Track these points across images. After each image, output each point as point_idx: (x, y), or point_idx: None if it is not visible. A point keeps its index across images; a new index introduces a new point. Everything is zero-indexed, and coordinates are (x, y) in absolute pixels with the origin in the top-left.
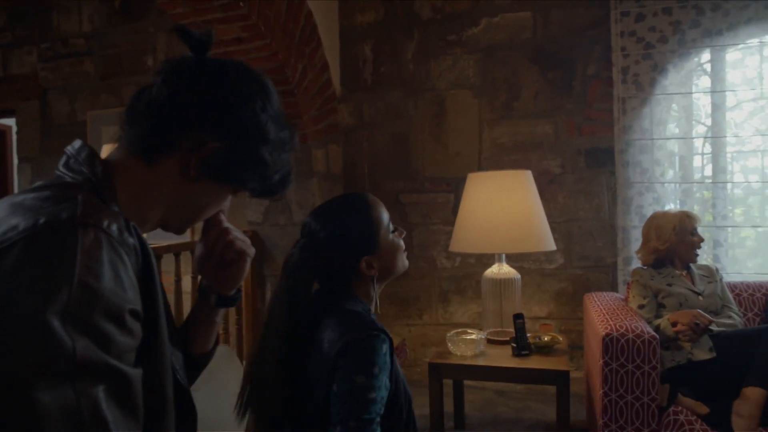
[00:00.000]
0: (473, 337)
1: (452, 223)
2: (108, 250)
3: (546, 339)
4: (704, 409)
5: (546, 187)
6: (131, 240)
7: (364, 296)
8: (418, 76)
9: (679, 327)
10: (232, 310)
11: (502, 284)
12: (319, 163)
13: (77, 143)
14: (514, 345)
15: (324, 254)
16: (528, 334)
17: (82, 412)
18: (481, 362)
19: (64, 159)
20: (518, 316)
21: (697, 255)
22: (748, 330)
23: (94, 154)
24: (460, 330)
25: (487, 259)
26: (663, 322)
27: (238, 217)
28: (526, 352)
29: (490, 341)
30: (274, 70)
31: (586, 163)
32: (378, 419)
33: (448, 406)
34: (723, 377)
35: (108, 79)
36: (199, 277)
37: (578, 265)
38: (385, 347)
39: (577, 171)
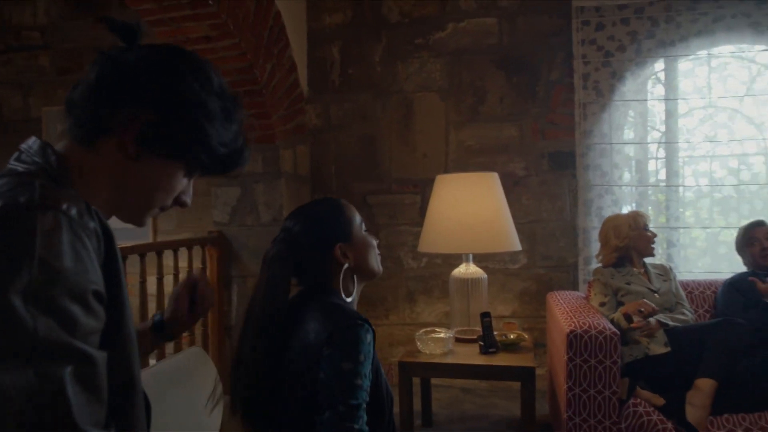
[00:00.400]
0: (442, 335)
1: (419, 224)
2: (68, 231)
3: (512, 337)
4: (660, 401)
5: (511, 189)
6: (92, 224)
7: (342, 291)
8: (385, 78)
9: (635, 324)
10: None
11: (469, 284)
12: (286, 163)
13: (31, 139)
14: (482, 343)
15: (300, 244)
16: (495, 332)
17: (42, 394)
18: (449, 360)
19: (16, 154)
20: (485, 315)
21: (653, 248)
22: (699, 325)
23: (46, 144)
24: (428, 329)
25: (453, 260)
26: (617, 315)
27: (204, 218)
28: (494, 349)
29: (458, 340)
30: (243, 69)
31: (550, 166)
32: (364, 405)
33: (416, 404)
34: (677, 370)
35: (66, 75)
36: (154, 314)
37: (541, 265)
38: (369, 337)
39: (540, 173)
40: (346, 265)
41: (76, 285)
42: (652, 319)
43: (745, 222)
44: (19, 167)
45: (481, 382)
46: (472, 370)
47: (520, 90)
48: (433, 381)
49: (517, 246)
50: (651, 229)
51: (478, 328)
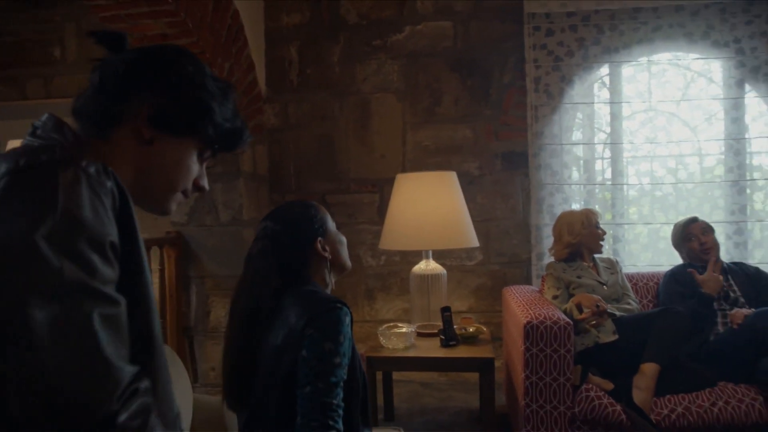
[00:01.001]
0: (404, 330)
1: (377, 223)
2: (86, 186)
3: (471, 330)
4: (610, 386)
5: (466, 189)
6: (108, 183)
7: (320, 283)
8: (343, 79)
9: (584, 314)
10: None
11: (429, 280)
12: (245, 163)
13: (44, 116)
14: (443, 337)
15: (282, 242)
16: (454, 326)
17: (70, 330)
18: (412, 354)
19: (30, 130)
20: (445, 309)
21: (602, 245)
22: (643, 314)
23: (62, 122)
24: (390, 324)
25: (412, 257)
26: (569, 305)
27: (161, 218)
28: (454, 342)
29: (419, 334)
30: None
31: (503, 166)
32: (342, 383)
33: (379, 399)
34: (625, 356)
35: (7, 69)
36: None
37: (496, 261)
38: (348, 319)
39: (494, 173)
40: (328, 257)
41: (95, 235)
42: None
43: (684, 217)
44: (36, 143)
45: (440, 377)
46: (434, 362)
47: (475, 92)
48: (394, 376)
49: (474, 242)
50: (601, 226)
51: (439, 323)
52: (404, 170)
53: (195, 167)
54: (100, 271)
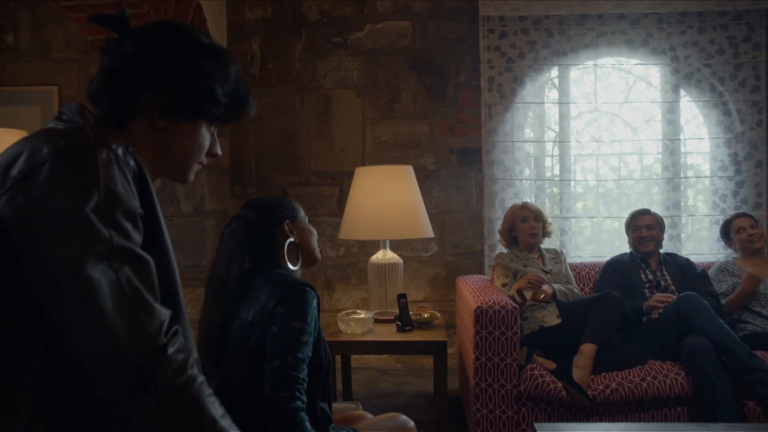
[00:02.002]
0: (362, 316)
1: (337, 215)
2: (116, 166)
3: (426, 316)
4: (552, 365)
5: (423, 182)
6: (131, 162)
7: (286, 264)
8: (305, 74)
9: (529, 297)
10: None
11: (386, 269)
12: None
13: (70, 102)
14: (399, 322)
15: (253, 223)
16: (410, 313)
17: (123, 285)
18: (370, 338)
19: (56, 115)
20: (402, 296)
21: (532, 239)
22: (583, 299)
23: (84, 107)
24: (349, 311)
25: (369, 248)
26: (511, 292)
27: None
28: (409, 327)
29: (377, 320)
30: None
31: (458, 161)
32: (307, 360)
33: (338, 384)
34: (566, 338)
35: None
36: None
37: (450, 253)
38: (315, 301)
39: (449, 168)
40: (291, 239)
41: (128, 207)
42: (546, 286)
43: (625, 211)
44: (60, 126)
45: (396, 363)
46: (390, 346)
47: (432, 90)
48: (352, 363)
49: (430, 233)
50: (543, 219)
51: (395, 310)
52: (363, 164)
53: (207, 141)
54: (132, 237)
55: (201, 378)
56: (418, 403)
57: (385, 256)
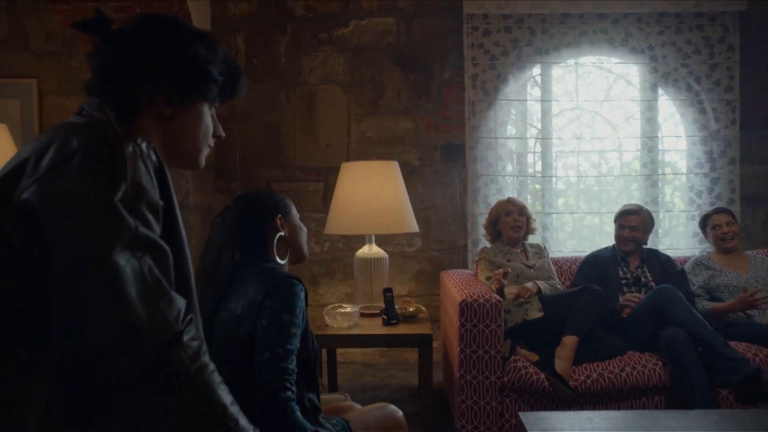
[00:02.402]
0: (348, 310)
1: (322, 211)
2: (140, 159)
3: (411, 310)
4: (535, 357)
5: (407, 178)
6: (153, 156)
7: (275, 258)
8: (290, 69)
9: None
10: None
11: (372, 263)
12: None
13: (91, 99)
14: (385, 316)
15: (246, 215)
16: (396, 306)
17: (144, 273)
18: (356, 332)
19: (77, 110)
20: (387, 290)
21: (515, 232)
22: (565, 293)
23: (103, 104)
24: (335, 305)
25: (354, 243)
26: (492, 284)
27: None
28: (395, 321)
29: (362, 314)
30: None
31: (442, 158)
32: (296, 351)
33: (324, 377)
34: (549, 331)
35: None
36: None
37: (434, 248)
38: (303, 294)
39: (434, 164)
40: (282, 233)
41: (150, 199)
42: (530, 284)
43: (605, 207)
44: (81, 120)
45: (381, 357)
46: (376, 339)
47: (416, 86)
48: (338, 358)
49: (415, 228)
50: (527, 215)
51: (381, 304)
52: (348, 159)
53: (211, 123)
54: (154, 228)
55: (212, 366)
56: (403, 396)
57: (370, 250)
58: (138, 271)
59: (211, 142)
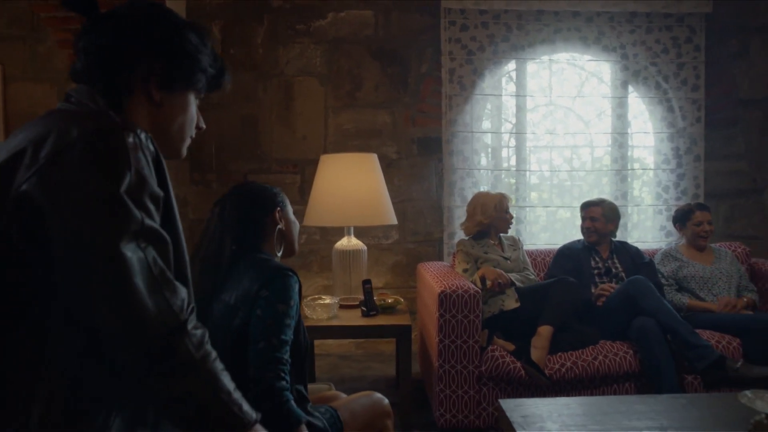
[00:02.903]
0: (327, 301)
1: (299, 203)
2: (140, 150)
3: (390, 301)
4: (511, 347)
5: (384, 171)
6: (152, 147)
7: (271, 251)
8: (267, 60)
9: (489, 285)
10: None
11: (350, 255)
12: None
13: (78, 86)
14: (364, 308)
15: (245, 206)
16: (375, 298)
17: (150, 264)
18: (335, 323)
19: (65, 97)
20: (366, 282)
21: (509, 228)
22: (540, 284)
23: (94, 91)
24: (315, 296)
25: (331, 236)
26: (475, 276)
27: None
28: (374, 312)
29: (342, 306)
30: None
31: (418, 151)
32: (290, 342)
33: None
34: (525, 321)
35: None
36: None
37: (411, 240)
38: (297, 286)
39: (410, 157)
40: (280, 226)
41: (152, 190)
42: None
43: (577, 201)
44: (72, 108)
45: (357, 349)
46: (356, 330)
47: (394, 80)
48: (315, 350)
49: (393, 220)
50: (510, 211)
51: (360, 296)
52: (326, 152)
53: (195, 113)
54: (155, 218)
55: (215, 353)
56: (381, 387)
57: (349, 242)
58: (144, 262)
59: (193, 132)
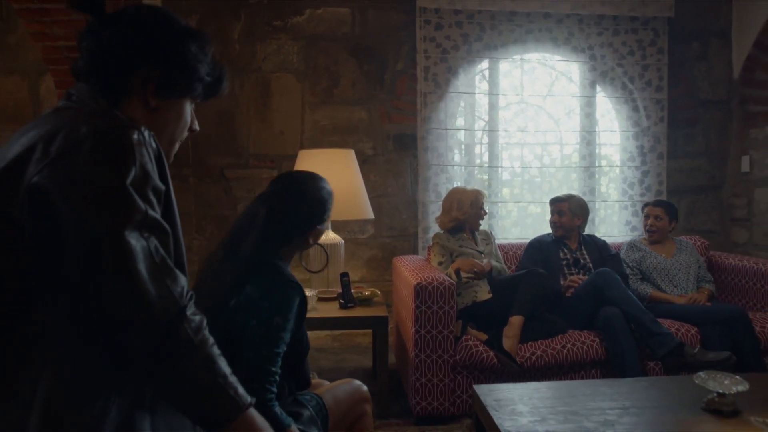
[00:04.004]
0: (306, 294)
1: None
2: (144, 147)
3: (367, 294)
4: (484, 336)
5: (360, 167)
6: (154, 144)
7: (287, 260)
8: (244, 56)
9: (464, 277)
10: None
11: (328, 249)
12: None
13: (78, 84)
14: (342, 300)
15: (289, 216)
16: (352, 291)
17: (152, 252)
18: (314, 315)
19: (65, 95)
20: (344, 275)
21: (480, 224)
22: (511, 276)
23: (95, 91)
24: None
25: None
26: (449, 270)
27: None
28: (352, 304)
29: (320, 299)
30: None
31: (394, 147)
32: (282, 354)
33: None
34: (497, 311)
35: None
36: None
37: (386, 235)
38: (298, 299)
39: (386, 153)
40: (311, 245)
41: (155, 184)
42: (485, 262)
43: (547, 196)
44: (75, 106)
45: (333, 342)
46: (334, 321)
47: (370, 77)
48: None
49: (370, 214)
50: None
51: (337, 289)
52: (303, 148)
53: (189, 117)
54: (157, 210)
55: (212, 339)
56: (358, 377)
57: (327, 236)
58: (147, 250)
59: (185, 135)
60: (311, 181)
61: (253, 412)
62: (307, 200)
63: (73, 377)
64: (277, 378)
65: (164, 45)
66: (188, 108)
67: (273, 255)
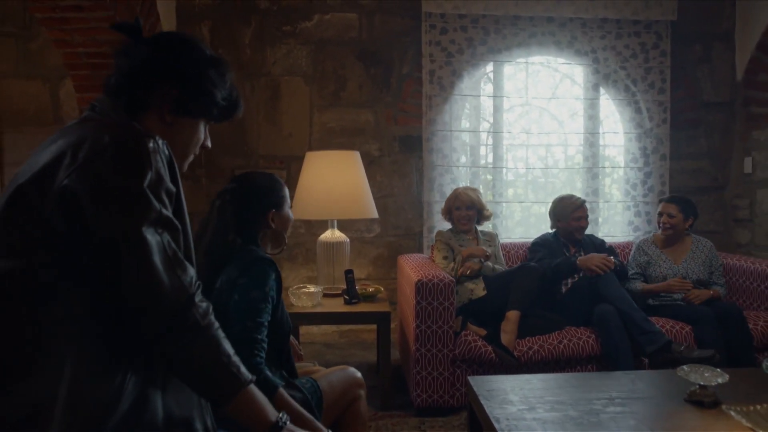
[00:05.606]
0: (312, 290)
1: None
2: (158, 154)
3: (371, 290)
4: (483, 332)
5: (367, 168)
6: (167, 151)
7: (263, 245)
8: (254, 61)
9: (459, 272)
10: None
11: (334, 247)
12: None
13: (101, 96)
14: (346, 296)
15: (244, 202)
16: (356, 287)
17: (165, 246)
18: (319, 310)
19: (90, 106)
20: (349, 272)
21: (463, 225)
22: (504, 272)
23: (115, 104)
24: (300, 285)
25: (316, 230)
26: (457, 258)
27: None
28: (356, 300)
29: (325, 295)
30: (114, 42)
31: (400, 148)
32: (266, 323)
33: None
34: (494, 307)
35: None
36: None
37: (392, 234)
38: (274, 274)
39: (392, 154)
40: (273, 227)
41: (168, 186)
42: (475, 262)
43: (550, 197)
44: (96, 117)
45: (340, 338)
46: (339, 316)
47: (377, 80)
48: (300, 338)
49: (375, 213)
50: (478, 207)
51: (342, 285)
52: (311, 149)
53: (202, 135)
54: (169, 209)
55: (217, 323)
56: (362, 372)
57: (333, 235)
58: (160, 244)
59: (197, 150)
60: (261, 174)
61: (254, 389)
62: (254, 187)
63: (95, 357)
64: (265, 346)
65: (184, 69)
66: (202, 127)
67: (253, 243)
